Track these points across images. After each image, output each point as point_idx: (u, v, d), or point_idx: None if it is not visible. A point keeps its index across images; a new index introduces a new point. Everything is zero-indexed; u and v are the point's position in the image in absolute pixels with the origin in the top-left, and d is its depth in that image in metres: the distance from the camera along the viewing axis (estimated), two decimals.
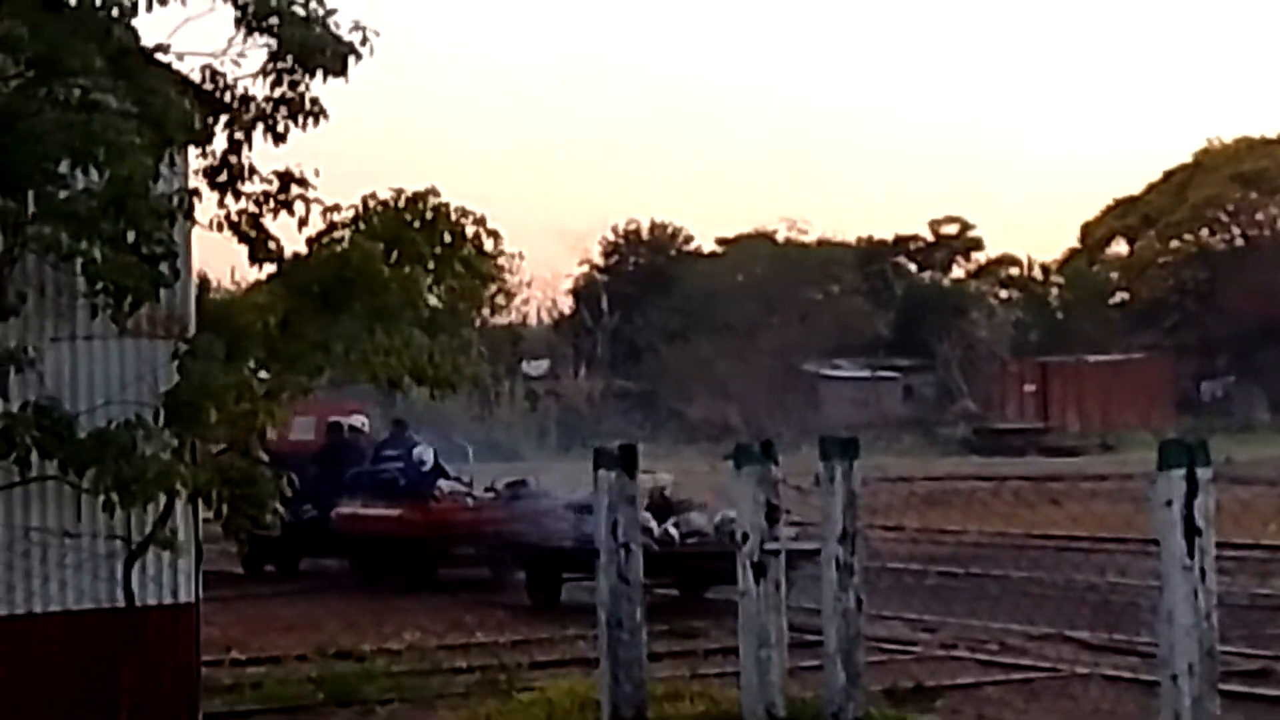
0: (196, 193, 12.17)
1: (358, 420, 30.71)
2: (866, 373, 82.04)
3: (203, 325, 13.08)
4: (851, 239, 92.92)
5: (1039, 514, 34.90)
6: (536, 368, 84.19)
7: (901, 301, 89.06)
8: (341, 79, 12.07)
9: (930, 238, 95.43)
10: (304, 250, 13.23)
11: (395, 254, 13.03)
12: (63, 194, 11.34)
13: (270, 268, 12.90)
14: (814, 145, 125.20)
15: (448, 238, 13.24)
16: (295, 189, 12.36)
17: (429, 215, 13.20)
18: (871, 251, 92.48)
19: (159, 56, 11.75)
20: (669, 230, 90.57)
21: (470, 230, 13.36)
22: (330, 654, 18.39)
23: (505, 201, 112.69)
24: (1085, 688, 16.42)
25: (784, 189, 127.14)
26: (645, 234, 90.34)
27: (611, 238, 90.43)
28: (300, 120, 12.24)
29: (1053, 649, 18.70)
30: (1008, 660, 18.06)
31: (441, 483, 27.65)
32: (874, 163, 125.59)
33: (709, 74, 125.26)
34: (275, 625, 21.32)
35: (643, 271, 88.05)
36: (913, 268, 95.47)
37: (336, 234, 13.11)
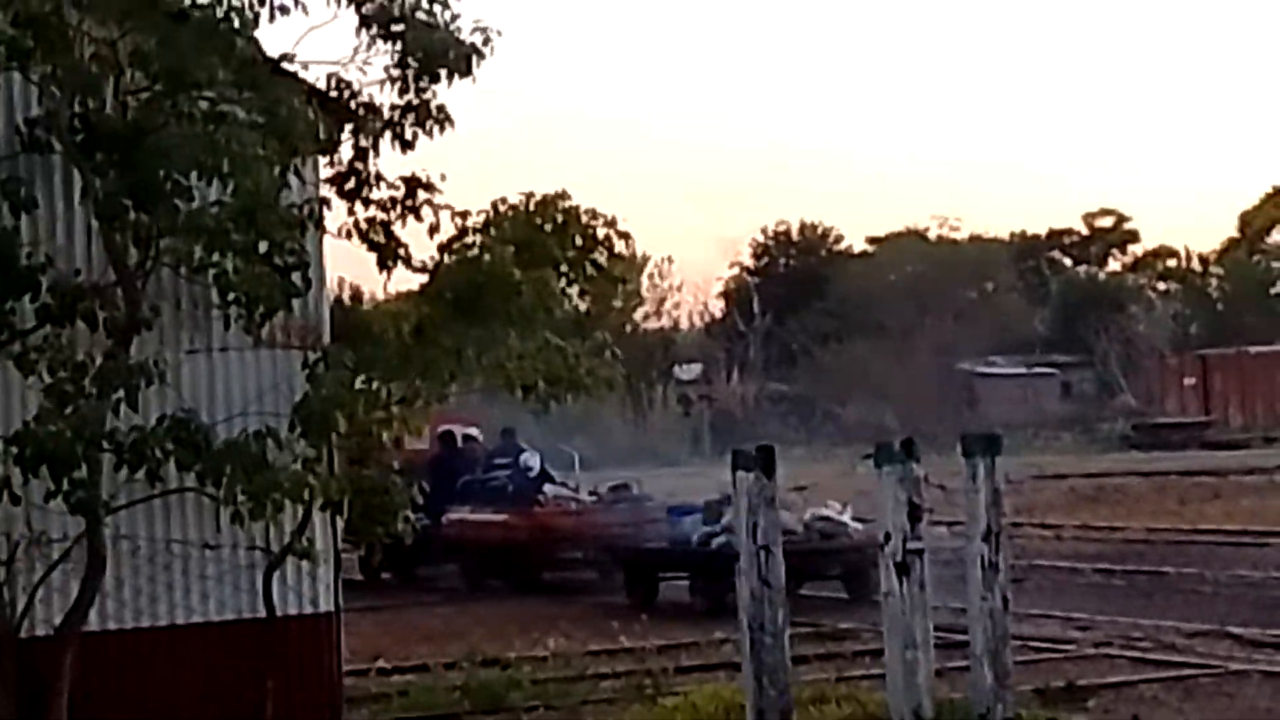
0: (326, 202, 12.18)
1: (471, 430, 31.44)
2: (1023, 370, 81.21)
3: (337, 335, 13.13)
4: (1005, 235, 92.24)
5: (1198, 509, 34.39)
6: (689, 372, 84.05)
7: (1058, 297, 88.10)
8: (468, 79, 12.03)
9: (1085, 231, 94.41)
10: (435, 257, 13.17)
11: (527, 258, 12.93)
12: (192, 206, 11.35)
13: (406, 275, 12.89)
14: (964, 140, 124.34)
15: (579, 240, 13.14)
16: (422, 194, 12.32)
17: (560, 219, 13.12)
18: (1025, 247, 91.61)
19: (285, 66, 11.77)
20: (819, 230, 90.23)
21: (601, 233, 13.25)
22: (476, 662, 18.35)
23: (656, 207, 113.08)
24: (1243, 685, 16.09)
25: (934, 186, 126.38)
26: (795, 235, 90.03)
27: (761, 240, 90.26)
28: (427, 127, 12.21)
29: (1209, 646, 18.35)
30: (1163, 658, 17.73)
31: (547, 488, 28.34)
32: (1026, 156, 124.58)
33: (856, 72, 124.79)
34: (418, 634, 21.31)
35: (794, 273, 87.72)
36: (1068, 262, 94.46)
37: (468, 239, 13.05)
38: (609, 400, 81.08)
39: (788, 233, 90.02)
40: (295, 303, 12.77)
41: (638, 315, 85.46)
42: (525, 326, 12.89)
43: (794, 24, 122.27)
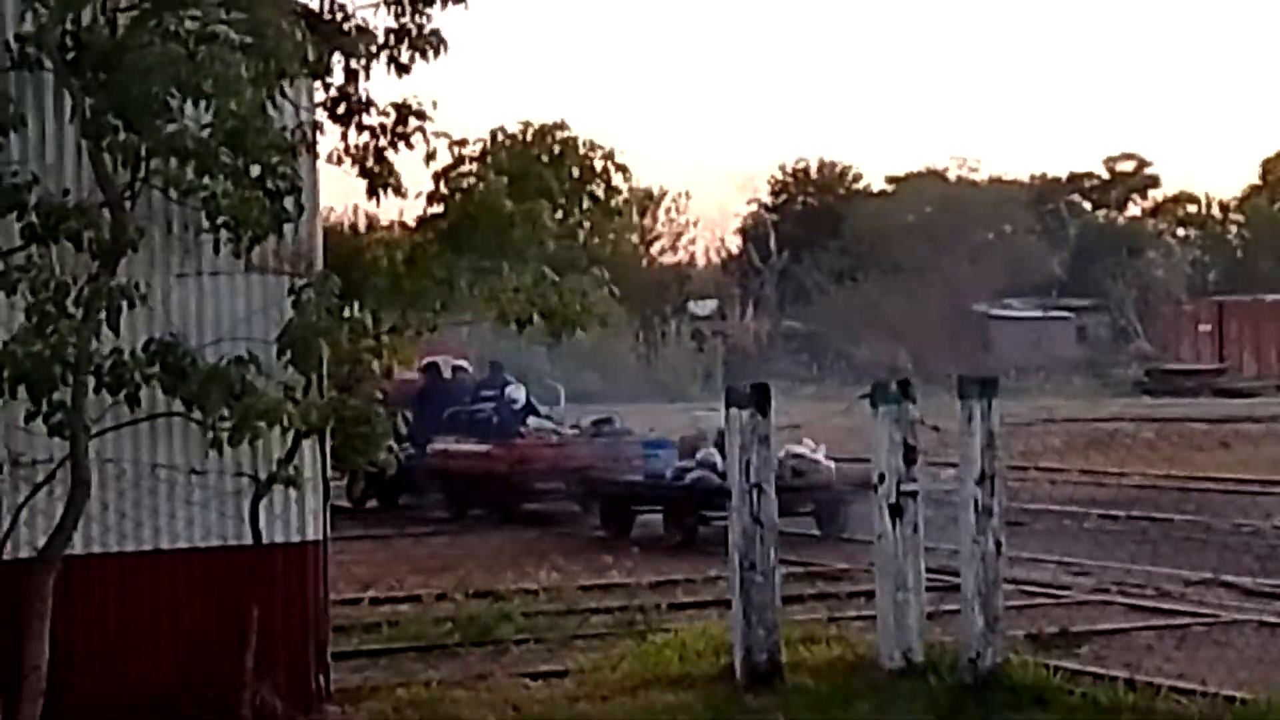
0: (319, 126, 11.99)
1: (460, 361, 32.02)
2: (1038, 313, 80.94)
3: (332, 262, 13.02)
4: (1024, 177, 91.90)
5: (1207, 456, 34.26)
6: (704, 308, 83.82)
7: (1075, 241, 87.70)
8: (461, 5, 11.86)
9: (1106, 175, 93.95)
10: (431, 186, 13.02)
11: (521, 189, 12.80)
12: (175, 128, 11.19)
13: (417, 205, 12.74)
14: (987, 80, 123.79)
15: (575, 172, 12.99)
16: (414, 122, 12.13)
17: (557, 149, 12.96)
18: (1045, 189, 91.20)
19: None
20: (837, 169, 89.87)
21: (599, 165, 13.10)
22: (470, 594, 18.31)
23: (676, 141, 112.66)
24: (1236, 634, 15.99)
25: (956, 126, 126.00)
26: (814, 173, 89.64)
27: (780, 177, 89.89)
28: (423, 52, 12.03)
29: (1209, 594, 18.23)
30: (1161, 605, 17.62)
31: (530, 421, 28.98)
32: (1048, 98, 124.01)
33: (878, 8, 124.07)
34: (415, 564, 21.14)
35: (811, 211, 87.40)
36: (1087, 206, 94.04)
37: (463, 169, 12.90)
38: (622, 334, 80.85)
39: (806, 170, 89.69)
40: (287, 228, 12.67)
41: (654, 250, 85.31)
42: (517, 259, 12.77)
43: None
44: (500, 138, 13.18)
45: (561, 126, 13.05)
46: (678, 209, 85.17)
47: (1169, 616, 16.97)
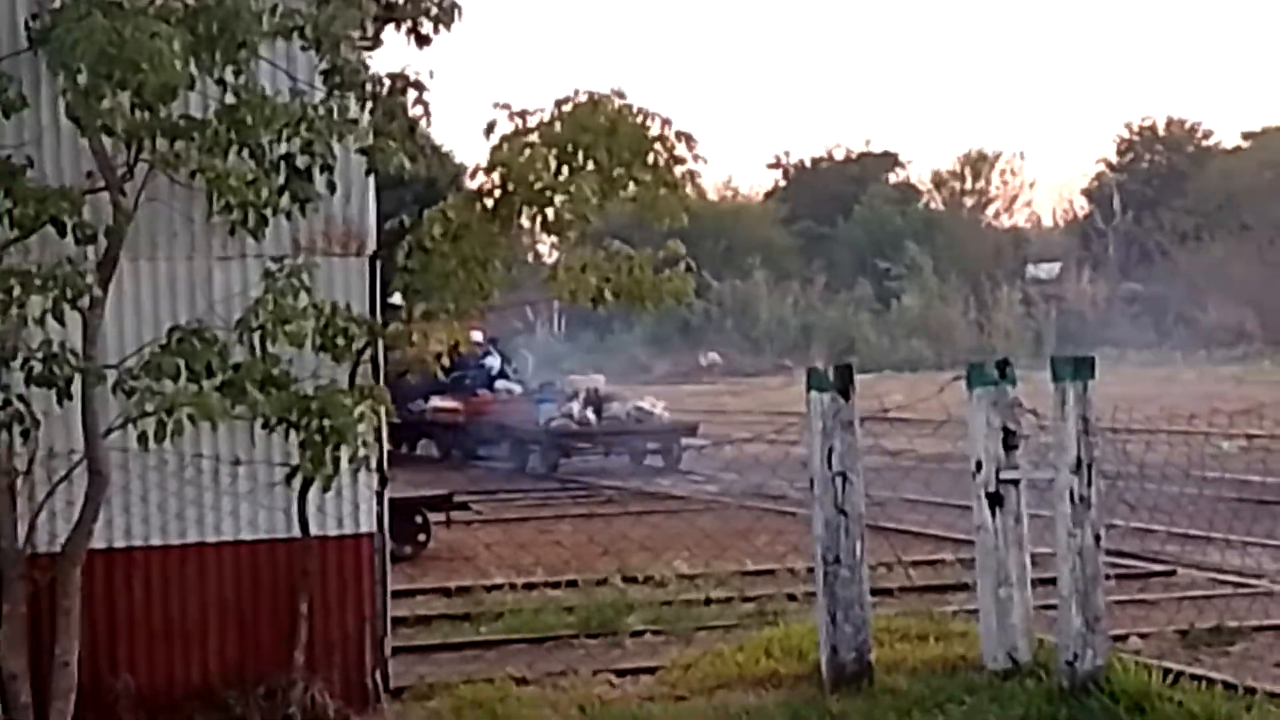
0: (331, 97, 11.36)
1: (474, 334, 36.49)
2: None
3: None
4: None
5: None
6: (1047, 271, 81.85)
7: None
8: None
9: None
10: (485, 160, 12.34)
11: (571, 163, 12.08)
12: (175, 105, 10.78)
13: None
14: None
15: (632, 143, 12.17)
16: (412, 93, 11.41)
17: (611, 120, 12.16)
18: None
19: None
20: (1186, 126, 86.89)
21: (657, 134, 12.26)
22: (628, 578, 17.68)
23: (1015, 100, 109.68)
24: None
25: None
26: (1161, 130, 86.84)
27: (1127, 136, 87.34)
28: (434, 21, 11.38)
29: None
30: None
31: (498, 383, 36.22)
32: None
33: None
34: (607, 545, 20.27)
35: (1158, 170, 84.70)
36: None
37: (515, 142, 12.19)
38: (952, 300, 78.55)
39: (1153, 128, 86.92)
40: (339, 208, 12.25)
41: (988, 212, 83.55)
42: (564, 236, 12.13)
43: None
44: (565, 109, 12.40)
45: (618, 94, 12.23)
46: (1013, 171, 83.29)
47: None
